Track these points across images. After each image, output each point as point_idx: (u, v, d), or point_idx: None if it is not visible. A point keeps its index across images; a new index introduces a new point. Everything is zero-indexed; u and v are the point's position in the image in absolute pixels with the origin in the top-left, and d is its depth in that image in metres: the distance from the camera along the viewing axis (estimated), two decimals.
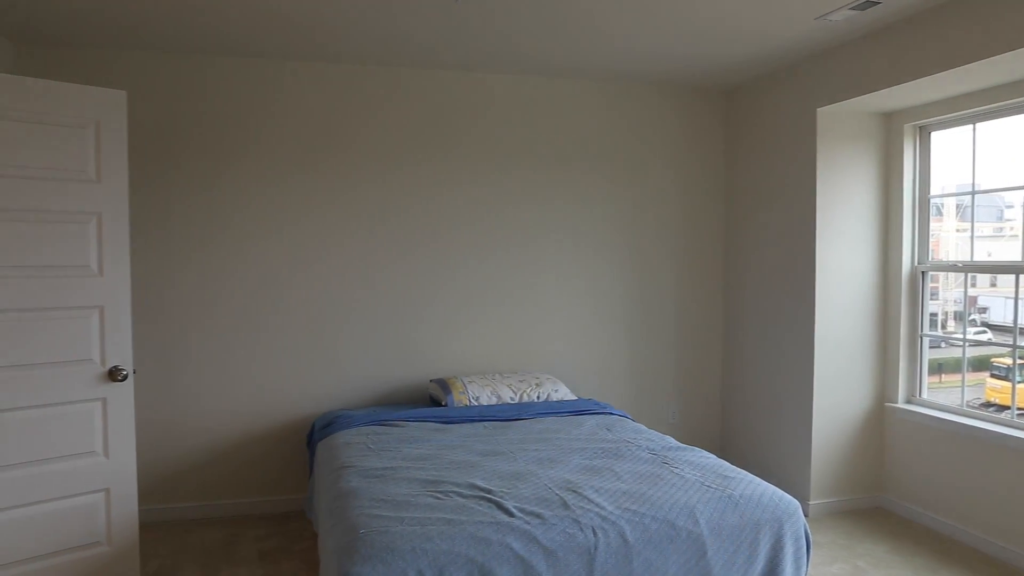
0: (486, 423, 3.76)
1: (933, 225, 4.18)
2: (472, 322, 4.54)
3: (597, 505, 2.58)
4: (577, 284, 4.72)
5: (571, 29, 3.65)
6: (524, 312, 4.63)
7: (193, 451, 4.16)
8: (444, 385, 4.12)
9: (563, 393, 4.21)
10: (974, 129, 3.86)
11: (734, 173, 4.88)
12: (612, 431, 3.59)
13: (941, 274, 4.23)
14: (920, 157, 4.17)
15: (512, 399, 4.09)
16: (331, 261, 4.30)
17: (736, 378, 4.87)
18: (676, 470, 2.95)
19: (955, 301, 4.25)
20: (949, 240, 4.23)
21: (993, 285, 4.09)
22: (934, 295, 4.25)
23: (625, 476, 2.89)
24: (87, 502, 3.03)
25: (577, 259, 4.71)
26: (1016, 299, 3.66)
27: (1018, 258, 3.69)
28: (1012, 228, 3.87)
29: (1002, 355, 3.93)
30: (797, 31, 3.67)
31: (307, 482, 4.29)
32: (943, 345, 4.27)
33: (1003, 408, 3.82)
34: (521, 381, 4.24)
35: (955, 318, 4.24)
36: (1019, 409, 3.64)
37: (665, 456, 3.15)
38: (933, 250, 4.19)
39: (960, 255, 4.13)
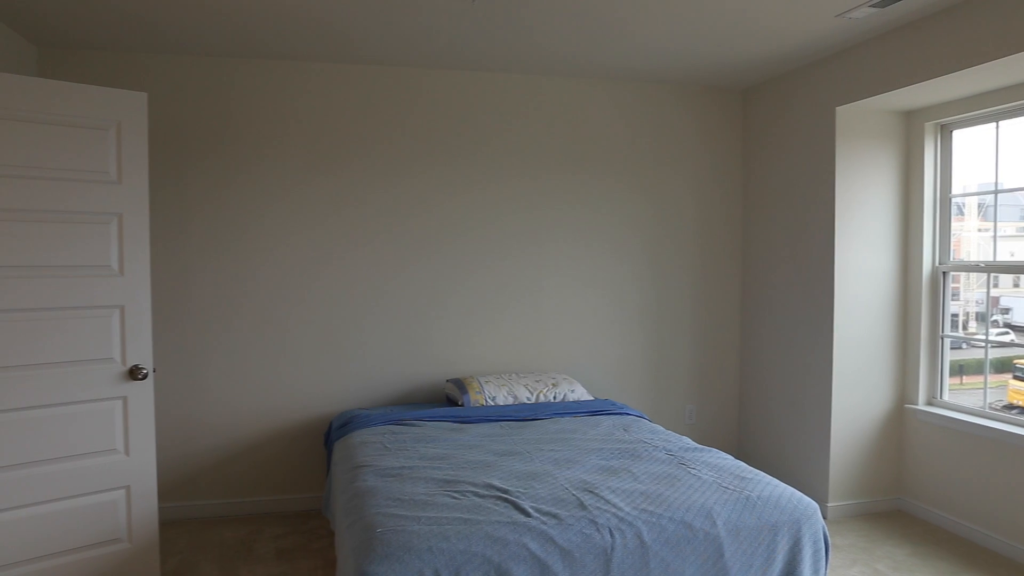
0: (503, 423, 3.76)
1: (954, 225, 4.13)
2: (489, 322, 4.54)
3: (614, 506, 2.57)
4: (594, 284, 4.71)
5: (588, 29, 3.65)
6: (541, 312, 4.63)
7: (211, 449, 4.19)
8: (461, 385, 4.13)
9: (580, 393, 4.20)
10: (997, 127, 3.81)
11: (751, 173, 4.85)
12: (629, 431, 3.58)
13: (962, 274, 4.18)
14: (941, 156, 4.12)
15: (529, 399, 4.09)
16: (350, 262, 4.32)
17: (754, 379, 4.84)
18: (693, 471, 2.94)
19: (977, 302, 4.20)
20: (971, 240, 4.18)
21: (1016, 286, 4.03)
22: (955, 296, 4.20)
23: (642, 477, 2.88)
24: (108, 499, 3.06)
25: (594, 259, 4.70)
26: None
27: None
28: None
29: None
30: (817, 29, 3.64)
31: (324, 481, 4.31)
32: (964, 346, 4.21)
33: None
34: (537, 381, 4.23)
35: (977, 319, 4.19)
36: None
37: (682, 457, 3.13)
38: (954, 250, 4.14)
39: (982, 255, 4.08)
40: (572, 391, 4.19)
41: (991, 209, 3.93)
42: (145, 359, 3.13)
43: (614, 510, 2.53)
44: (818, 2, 3.26)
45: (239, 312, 4.19)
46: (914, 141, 4.17)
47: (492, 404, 4.00)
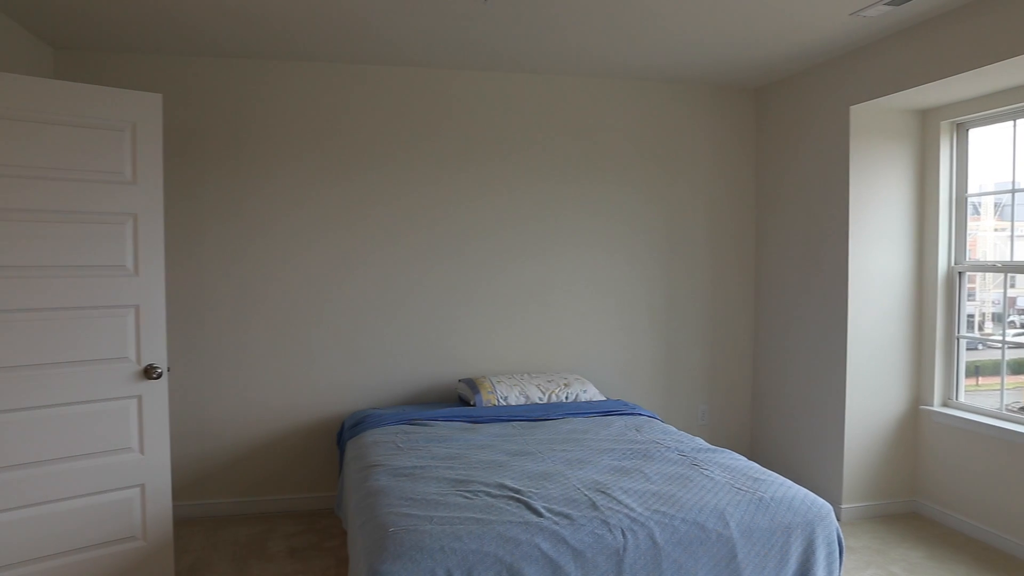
0: (515, 423, 3.76)
1: (970, 224, 4.09)
2: (501, 323, 4.54)
3: (626, 506, 2.56)
4: (607, 284, 4.70)
5: (601, 29, 3.64)
6: (553, 312, 4.62)
7: (225, 448, 4.22)
8: (473, 385, 4.13)
9: (592, 393, 4.20)
10: (1014, 125, 3.77)
11: (765, 172, 4.83)
12: (641, 432, 3.57)
13: (979, 274, 4.14)
14: (957, 155, 4.08)
15: (540, 399, 4.09)
16: (363, 264, 4.34)
17: (767, 379, 4.82)
18: (706, 472, 2.93)
19: (993, 302, 4.16)
20: (987, 239, 4.14)
21: None
22: (971, 296, 4.16)
23: (654, 477, 2.87)
24: (123, 497, 3.09)
25: (606, 260, 4.69)
26: None
27: None
28: None
29: None
30: (831, 27, 3.62)
31: (336, 480, 4.33)
32: (980, 347, 4.17)
33: None
34: (549, 381, 4.23)
35: (993, 319, 4.15)
36: None
37: (695, 458, 3.12)
38: (970, 250, 4.10)
39: (999, 255, 4.04)
40: (584, 391, 4.19)
41: (1008, 208, 3.89)
42: (160, 358, 3.15)
43: (626, 511, 2.53)
44: (833, 1, 3.24)
45: (252, 312, 4.22)
46: (930, 140, 4.13)
47: (504, 404, 4.00)
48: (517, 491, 2.69)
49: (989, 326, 4.18)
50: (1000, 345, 3.94)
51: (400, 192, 4.37)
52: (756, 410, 4.94)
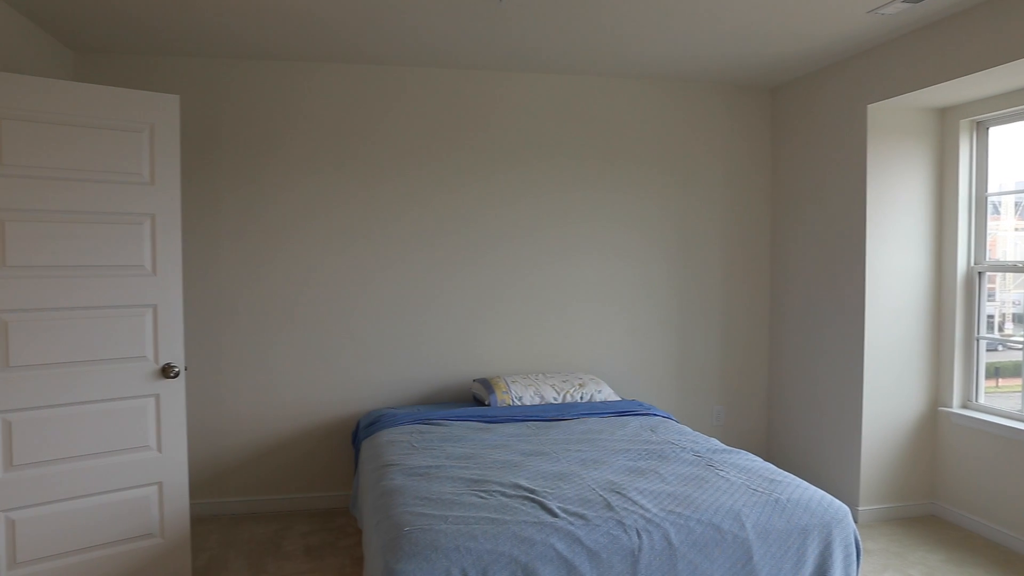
0: (529, 423, 3.75)
1: (990, 224, 4.04)
2: (516, 324, 4.54)
3: (641, 507, 2.55)
4: (622, 285, 4.69)
5: (617, 28, 3.63)
6: (568, 313, 4.62)
7: (241, 447, 4.25)
8: (487, 385, 4.13)
9: (607, 394, 4.19)
10: None
11: (781, 171, 4.79)
12: (656, 432, 3.55)
13: (999, 274, 4.09)
14: (977, 153, 4.04)
15: (555, 399, 4.08)
16: (379, 267, 4.35)
17: (783, 380, 4.79)
18: (721, 473, 2.91)
19: (1014, 303, 4.11)
20: (1007, 239, 4.09)
21: None
22: (991, 296, 4.11)
23: (669, 478, 2.86)
24: (141, 495, 3.12)
25: (622, 259, 4.67)
26: None
27: None
28: None
29: None
30: (849, 26, 3.59)
31: (352, 479, 4.35)
32: (1000, 348, 4.12)
33: None
34: (564, 381, 4.23)
35: (1014, 320, 4.10)
36: None
37: (710, 458, 3.11)
38: (990, 249, 4.05)
39: (1019, 255, 3.99)
40: (599, 391, 4.18)
41: None
42: (177, 357, 3.18)
43: (641, 511, 2.52)
44: None
45: (270, 313, 4.24)
46: (948, 139, 4.09)
47: (519, 404, 4.00)
48: (532, 491, 2.69)
49: (1009, 327, 4.13)
50: (1021, 346, 3.89)
51: (420, 199, 4.38)
52: (772, 411, 4.91)
